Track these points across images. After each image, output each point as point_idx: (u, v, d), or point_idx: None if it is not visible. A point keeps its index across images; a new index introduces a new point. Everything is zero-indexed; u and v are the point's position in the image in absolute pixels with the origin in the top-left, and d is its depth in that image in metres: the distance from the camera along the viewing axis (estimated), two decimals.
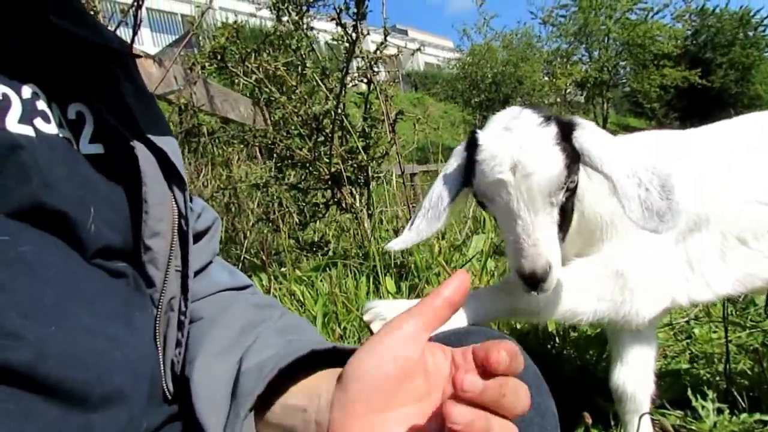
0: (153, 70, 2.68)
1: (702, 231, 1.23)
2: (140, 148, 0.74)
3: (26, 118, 0.64)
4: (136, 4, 2.11)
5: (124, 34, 2.44)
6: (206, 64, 2.61)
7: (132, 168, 0.74)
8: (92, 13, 2.01)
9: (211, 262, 0.99)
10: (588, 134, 1.06)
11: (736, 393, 1.49)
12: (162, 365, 0.78)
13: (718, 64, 29.17)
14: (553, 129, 1.06)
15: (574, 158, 1.05)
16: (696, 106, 26.52)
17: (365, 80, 2.70)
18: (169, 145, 0.79)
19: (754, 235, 1.23)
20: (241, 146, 3.09)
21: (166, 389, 0.78)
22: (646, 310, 1.20)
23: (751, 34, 30.14)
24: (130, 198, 0.75)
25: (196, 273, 0.93)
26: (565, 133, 1.06)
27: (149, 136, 0.75)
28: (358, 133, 2.76)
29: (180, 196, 0.79)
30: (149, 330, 0.76)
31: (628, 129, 22.90)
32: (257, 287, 2.27)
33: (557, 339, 1.85)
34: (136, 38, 2.16)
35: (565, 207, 1.07)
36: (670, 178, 1.04)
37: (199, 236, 0.97)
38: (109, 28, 2.33)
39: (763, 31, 30.55)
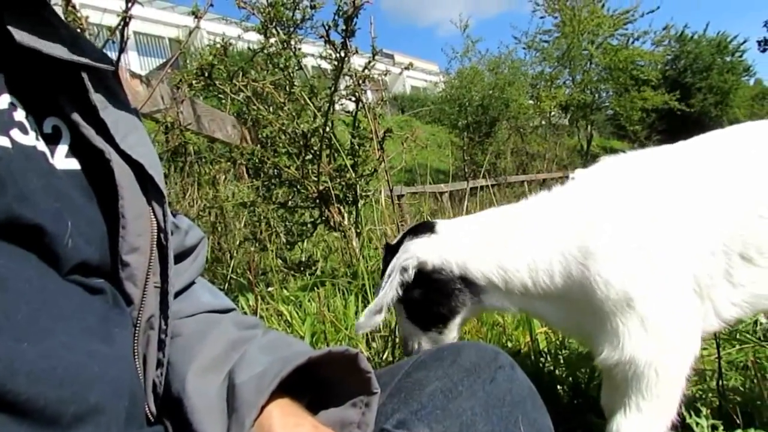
0: (140, 89, 2.67)
1: (705, 251, 1.14)
2: (116, 161, 0.72)
3: (2, 128, 0.62)
4: (123, 22, 2.10)
5: (111, 52, 2.43)
6: (193, 82, 2.59)
7: (109, 182, 0.72)
8: (78, 31, 1.99)
9: (194, 283, 0.97)
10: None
11: (729, 409, 1.47)
12: (143, 386, 0.76)
13: (697, 88, 29.93)
14: (386, 250, 1.39)
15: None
16: (677, 128, 27.01)
17: (353, 98, 2.70)
18: (147, 157, 0.77)
19: (759, 251, 1.13)
20: (228, 165, 3.06)
21: (148, 411, 0.76)
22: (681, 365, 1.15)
23: (728, 59, 31.03)
24: (107, 213, 0.73)
25: (180, 292, 0.92)
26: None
27: (125, 148, 0.74)
28: (346, 151, 2.75)
29: (159, 209, 0.77)
30: (129, 348, 0.74)
31: (612, 151, 23.17)
32: (244, 307, 2.25)
33: (549, 357, 1.82)
34: (123, 61, 2.15)
35: (407, 303, 1.32)
36: (411, 251, 1.27)
37: (184, 255, 0.95)
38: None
39: (740, 56, 31.48)
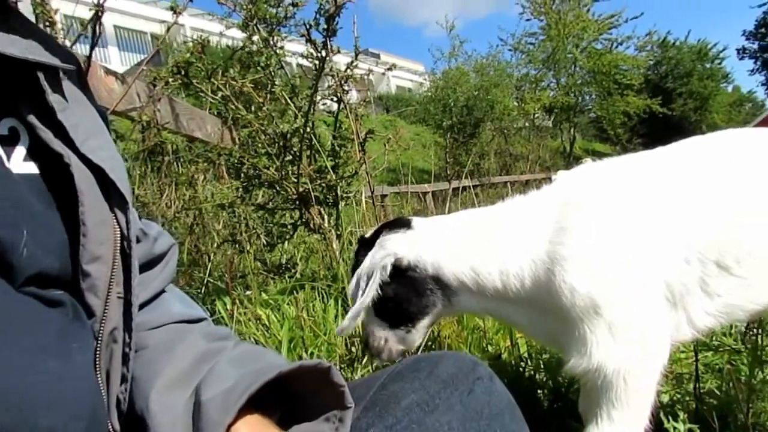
0: (115, 86, 2.60)
1: (680, 259, 1.11)
2: (76, 165, 0.69)
3: None
4: (96, 17, 2.04)
5: (83, 47, 2.36)
6: (170, 79, 2.53)
7: (69, 187, 0.69)
8: (48, 23, 1.93)
9: (164, 291, 0.94)
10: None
11: (705, 413, 1.47)
12: (107, 403, 0.72)
13: (678, 93, 30.50)
14: (360, 243, 1.36)
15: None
16: (658, 132, 27.53)
17: (335, 99, 2.67)
18: (109, 161, 0.73)
19: (736, 260, 1.10)
20: (206, 165, 3.00)
21: (111, 429, 0.72)
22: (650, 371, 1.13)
23: (708, 66, 31.65)
24: (67, 220, 0.70)
25: (149, 301, 0.89)
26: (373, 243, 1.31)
27: (86, 152, 0.70)
28: (327, 153, 2.71)
29: (122, 216, 0.74)
30: (89, 364, 0.70)
31: (594, 153, 23.55)
32: (221, 311, 2.20)
33: (530, 362, 1.81)
34: (102, 57, 2.09)
35: (381, 305, 1.28)
36: (388, 248, 1.25)
37: (153, 263, 0.92)
38: (66, 41, 2.23)
39: (719, 63, 32.11)
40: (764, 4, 24.56)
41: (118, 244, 0.74)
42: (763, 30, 25.39)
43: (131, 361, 0.74)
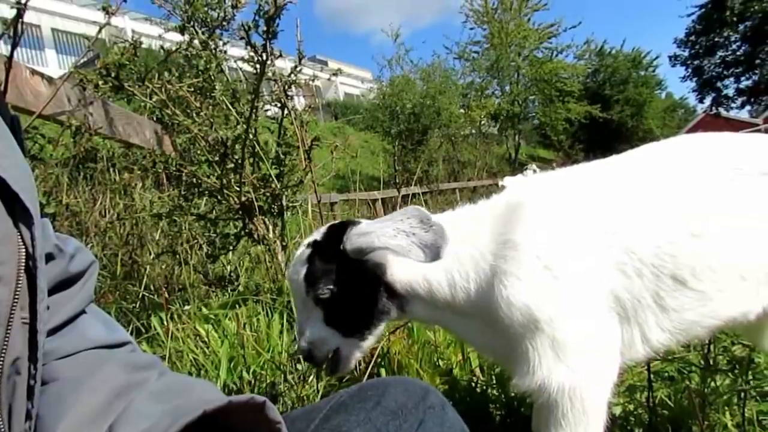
0: (41, 89, 2.42)
1: (630, 271, 1.08)
2: None
3: None
4: (18, 16, 1.90)
5: (7, 49, 2.18)
6: (99, 82, 2.37)
7: None
8: None
9: (83, 312, 0.84)
10: (352, 235, 1.16)
11: (658, 424, 1.47)
12: None
13: (615, 100, 31.82)
14: (314, 247, 1.23)
15: (325, 269, 1.19)
16: (598, 138, 28.67)
17: (278, 105, 2.57)
18: (12, 171, 0.64)
19: (693, 273, 1.07)
20: (142, 173, 2.83)
21: None
22: (596, 392, 1.09)
23: (642, 73, 33.20)
24: None
25: (63, 325, 0.79)
26: (331, 245, 1.20)
27: None
28: (271, 160, 2.61)
29: (27, 232, 0.65)
30: None
31: (538, 159, 24.22)
32: (157, 328, 2.06)
33: (482, 376, 1.77)
34: (38, 60, 1.94)
35: (330, 305, 1.20)
36: (423, 211, 1.13)
37: (69, 282, 0.83)
38: None
39: (653, 71, 33.75)
40: (693, 13, 25.92)
41: (23, 264, 0.65)
42: (693, 38, 26.78)
43: (37, 395, 0.66)
